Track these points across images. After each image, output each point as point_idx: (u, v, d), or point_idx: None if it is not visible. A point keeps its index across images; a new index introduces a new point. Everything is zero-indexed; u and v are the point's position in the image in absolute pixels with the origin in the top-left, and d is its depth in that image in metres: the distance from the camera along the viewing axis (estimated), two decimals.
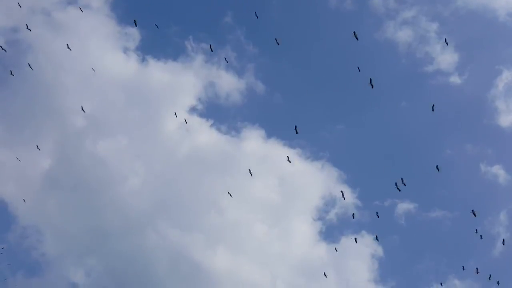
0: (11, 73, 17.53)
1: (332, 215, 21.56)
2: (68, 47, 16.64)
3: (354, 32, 10.76)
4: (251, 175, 15.18)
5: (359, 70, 10.81)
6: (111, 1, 27.08)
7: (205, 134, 25.14)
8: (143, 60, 26.35)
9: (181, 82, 26.25)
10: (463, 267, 13.58)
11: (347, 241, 20.54)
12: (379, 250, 17.98)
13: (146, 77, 26.34)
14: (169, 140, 25.29)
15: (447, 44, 10.79)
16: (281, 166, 23.27)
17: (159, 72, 26.35)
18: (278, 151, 24.10)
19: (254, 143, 24.91)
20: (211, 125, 25.13)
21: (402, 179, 11.12)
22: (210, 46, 15.73)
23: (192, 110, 25.37)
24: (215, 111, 25.72)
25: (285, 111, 23.56)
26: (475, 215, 12.66)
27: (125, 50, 26.48)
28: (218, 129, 25.24)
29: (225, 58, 17.79)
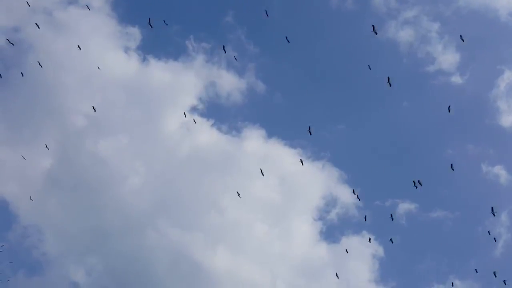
0: (21, 74, 17.63)
1: (333, 215, 21.64)
2: (78, 47, 16.69)
3: (373, 26, 10.77)
4: (263, 174, 15.23)
5: (370, 68, 10.84)
6: (112, 0, 27.13)
7: (206, 134, 25.20)
8: (144, 59, 26.41)
9: (182, 82, 26.31)
10: (476, 269, 13.61)
11: (347, 241, 20.61)
12: (380, 250, 18.03)
13: (147, 77, 26.41)
14: (169, 139, 25.35)
15: (463, 40, 10.77)
16: (282, 166, 23.34)
17: (160, 72, 26.42)
18: (278, 151, 24.17)
19: (254, 142, 24.98)
20: (212, 125, 25.19)
21: (418, 180, 11.17)
22: (224, 47, 15.73)
23: (193, 109, 25.43)
24: (215, 110, 25.78)
25: (286, 111, 23.62)
26: (494, 215, 12.72)
27: (126, 49, 26.54)
28: (219, 129, 25.31)
29: (235, 57, 17.66)
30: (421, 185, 10.80)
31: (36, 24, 17.21)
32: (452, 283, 14.05)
